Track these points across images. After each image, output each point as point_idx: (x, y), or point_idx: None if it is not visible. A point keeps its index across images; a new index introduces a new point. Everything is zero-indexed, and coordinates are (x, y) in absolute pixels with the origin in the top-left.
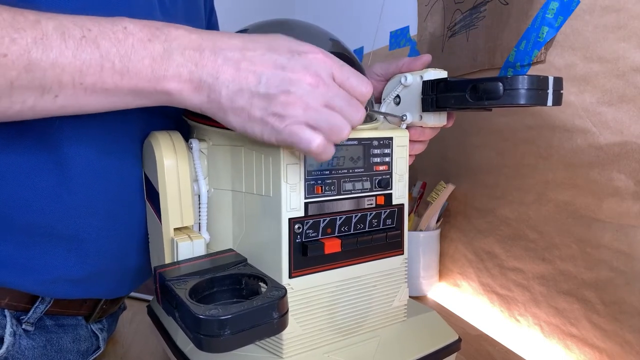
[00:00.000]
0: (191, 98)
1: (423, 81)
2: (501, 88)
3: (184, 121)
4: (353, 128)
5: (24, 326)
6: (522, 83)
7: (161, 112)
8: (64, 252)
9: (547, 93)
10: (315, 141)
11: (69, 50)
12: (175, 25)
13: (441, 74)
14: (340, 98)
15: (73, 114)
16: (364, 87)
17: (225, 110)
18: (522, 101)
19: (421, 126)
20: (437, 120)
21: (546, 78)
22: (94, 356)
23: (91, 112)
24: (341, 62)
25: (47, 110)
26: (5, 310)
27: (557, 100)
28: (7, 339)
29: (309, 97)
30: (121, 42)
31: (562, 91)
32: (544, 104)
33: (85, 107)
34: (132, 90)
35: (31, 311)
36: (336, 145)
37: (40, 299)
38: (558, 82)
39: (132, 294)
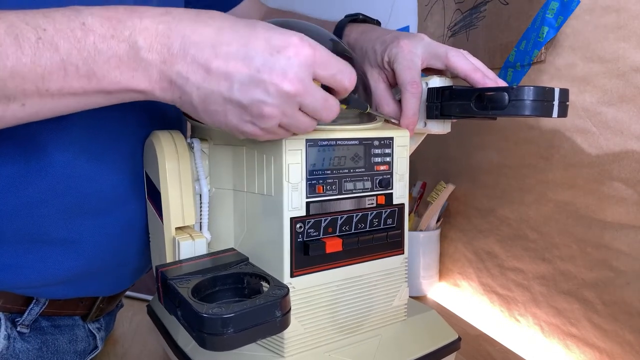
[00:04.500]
0: (163, 96)
1: (428, 88)
2: (507, 98)
3: (180, 118)
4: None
5: (18, 328)
6: (528, 94)
7: (141, 107)
8: (57, 255)
9: (553, 104)
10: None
11: (26, 57)
12: (141, 12)
13: (446, 81)
14: (316, 100)
15: (48, 118)
16: (347, 81)
17: (198, 111)
18: (527, 112)
19: (424, 133)
20: (440, 128)
21: (552, 90)
22: (92, 356)
23: (66, 113)
24: (324, 51)
25: (19, 118)
26: (0, 313)
27: (563, 112)
28: (1, 342)
29: (285, 105)
30: (81, 41)
31: (567, 103)
32: (549, 115)
33: (57, 111)
34: (102, 91)
35: (26, 313)
36: (337, 145)
37: (34, 300)
38: (564, 93)
39: (133, 294)
